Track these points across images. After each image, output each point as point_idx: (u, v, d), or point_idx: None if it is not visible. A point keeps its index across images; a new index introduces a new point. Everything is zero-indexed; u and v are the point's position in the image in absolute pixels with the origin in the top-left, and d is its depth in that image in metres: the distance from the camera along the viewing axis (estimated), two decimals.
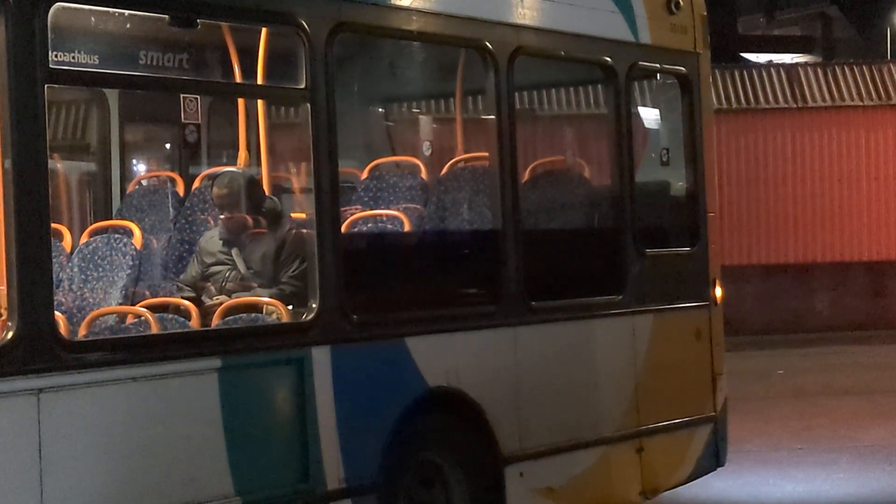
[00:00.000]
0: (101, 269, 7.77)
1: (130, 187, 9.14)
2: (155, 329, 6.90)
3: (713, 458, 9.79)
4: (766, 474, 11.24)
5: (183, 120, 6.83)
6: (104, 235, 8.05)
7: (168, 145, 10.08)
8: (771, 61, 29.57)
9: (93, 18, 7.21)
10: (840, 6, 36.44)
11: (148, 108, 9.69)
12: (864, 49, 34.83)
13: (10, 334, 5.75)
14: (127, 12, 6.98)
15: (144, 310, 7.07)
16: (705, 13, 9.95)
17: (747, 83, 24.71)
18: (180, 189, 8.89)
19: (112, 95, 9.16)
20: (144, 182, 9.19)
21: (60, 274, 7.67)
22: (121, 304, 7.52)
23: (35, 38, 5.85)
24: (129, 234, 8.00)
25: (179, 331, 7.03)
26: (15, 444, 5.73)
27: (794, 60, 30.66)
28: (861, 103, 24.60)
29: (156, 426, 6.30)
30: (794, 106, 24.58)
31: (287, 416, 6.90)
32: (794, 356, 20.86)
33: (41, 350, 5.81)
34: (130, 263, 7.77)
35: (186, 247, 8.41)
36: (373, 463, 7.23)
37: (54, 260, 6.49)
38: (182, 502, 6.35)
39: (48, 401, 5.81)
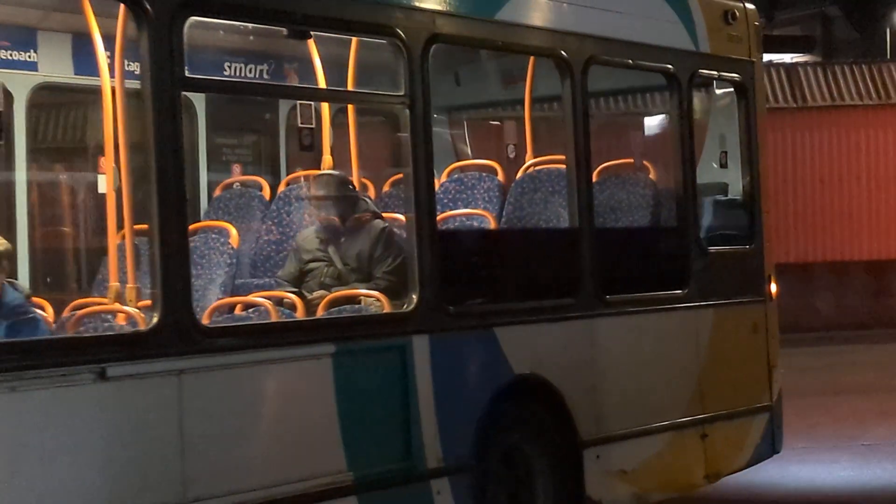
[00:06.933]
0: (200, 267, 8.23)
1: (217, 191, 9.58)
2: (274, 318, 7.41)
3: (770, 446, 10.24)
4: (767, 472, 11.10)
5: (299, 124, 7.33)
6: (202, 235, 8.52)
7: (254, 151, 10.57)
8: (771, 61, 29.52)
9: (221, 32, 7.75)
10: (840, 6, 36.50)
11: (233, 115, 10.18)
12: (865, 49, 34.85)
13: (154, 320, 6.27)
14: (251, 26, 7.52)
15: (264, 300, 7.56)
16: (758, 23, 10.46)
17: None
18: (266, 193, 9.40)
19: (199, 102, 9.60)
20: (232, 186, 9.65)
21: None
22: (220, 299, 8.03)
23: (173, 49, 6.38)
24: (226, 234, 8.49)
25: (299, 319, 7.52)
26: (159, 420, 6.24)
27: (794, 60, 30.51)
28: (861, 103, 24.59)
29: (278, 405, 6.79)
30: (794, 105, 24.56)
31: (391, 399, 7.34)
32: (796, 355, 20.70)
33: (181, 335, 6.32)
34: (228, 261, 8.26)
35: (273, 247, 8.91)
36: (466, 445, 7.67)
37: None
38: (300, 476, 6.81)
39: (187, 380, 6.33)
